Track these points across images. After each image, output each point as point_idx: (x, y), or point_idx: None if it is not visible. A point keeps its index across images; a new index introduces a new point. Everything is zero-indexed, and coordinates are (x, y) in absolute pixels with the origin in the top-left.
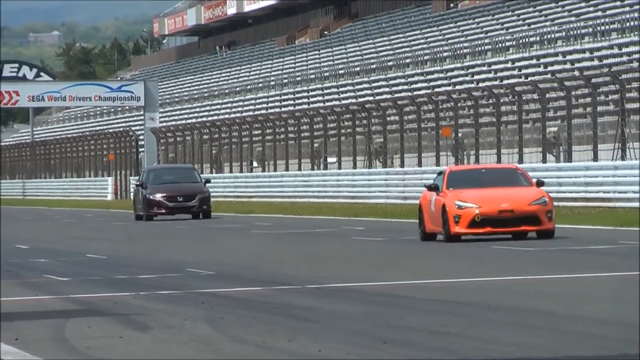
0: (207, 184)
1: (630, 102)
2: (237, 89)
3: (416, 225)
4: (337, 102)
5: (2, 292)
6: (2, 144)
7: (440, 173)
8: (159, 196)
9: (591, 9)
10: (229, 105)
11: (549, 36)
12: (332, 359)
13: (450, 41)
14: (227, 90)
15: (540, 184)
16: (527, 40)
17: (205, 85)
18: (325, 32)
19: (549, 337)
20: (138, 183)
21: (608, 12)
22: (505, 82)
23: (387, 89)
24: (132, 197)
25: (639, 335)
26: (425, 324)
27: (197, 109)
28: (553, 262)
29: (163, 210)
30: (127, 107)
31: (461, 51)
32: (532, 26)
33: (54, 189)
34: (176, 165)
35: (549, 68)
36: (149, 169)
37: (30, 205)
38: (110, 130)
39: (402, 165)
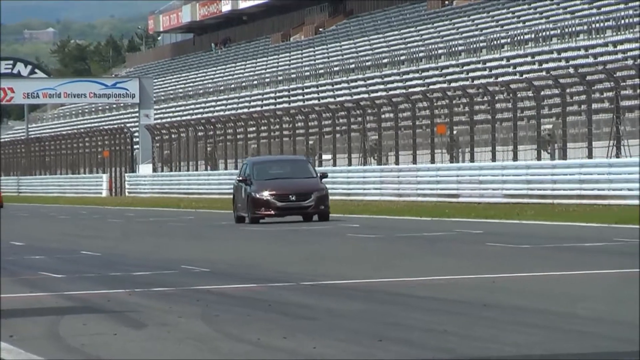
0: (324, 179)
1: (625, 100)
2: (232, 86)
3: (413, 222)
4: (331, 99)
5: None
6: None
7: None
8: (266, 194)
9: (586, 6)
10: (224, 102)
11: (543, 33)
12: (327, 356)
13: (445, 38)
14: (222, 88)
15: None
16: (522, 37)
17: (200, 82)
18: (320, 29)
19: (545, 336)
20: (240, 178)
21: (603, 9)
22: (500, 79)
23: (382, 86)
24: (232, 195)
25: (639, 333)
26: (422, 322)
27: (192, 106)
28: (548, 260)
29: (271, 212)
30: (122, 104)
31: (456, 48)
32: (527, 23)
33: (48, 186)
34: (286, 157)
35: (544, 65)
36: (253, 161)
37: (25, 202)
38: (105, 127)
39: (397, 162)
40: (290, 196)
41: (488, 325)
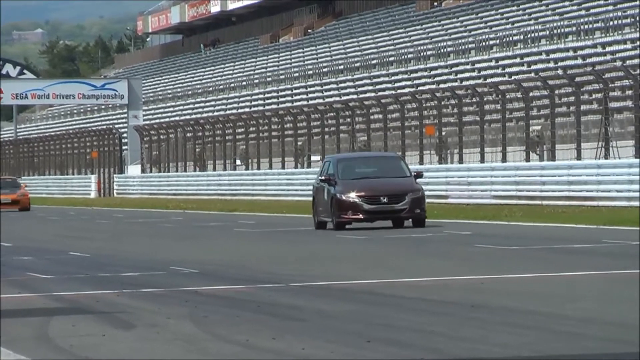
0: (419, 179)
1: (614, 101)
2: (221, 87)
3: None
4: (320, 101)
5: None
6: None
7: None
8: (353, 196)
9: (575, 7)
10: (213, 103)
11: (532, 35)
12: (316, 357)
13: (434, 40)
14: (210, 89)
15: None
16: (510, 39)
17: (189, 83)
18: (309, 31)
19: (534, 337)
20: (322, 178)
21: (592, 10)
22: (489, 80)
23: (370, 87)
24: (312, 197)
25: (638, 333)
26: (410, 322)
27: (181, 107)
28: (537, 261)
29: (359, 216)
30: (110, 105)
31: (445, 50)
32: (516, 25)
33: (37, 187)
34: (375, 153)
35: (533, 67)
36: (338, 158)
37: None
38: (94, 128)
39: None
40: (381, 198)
41: (476, 326)
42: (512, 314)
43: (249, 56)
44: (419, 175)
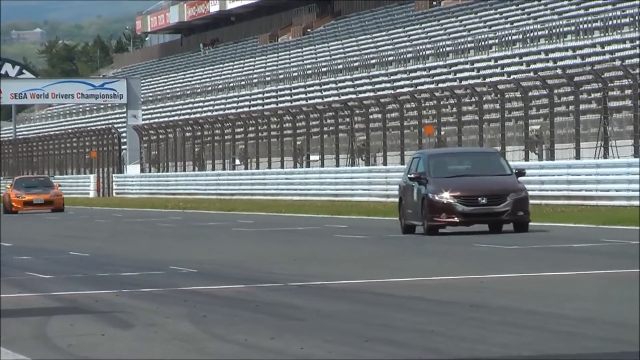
0: (521, 177)
1: (613, 101)
2: (220, 86)
3: (397, 223)
4: (319, 100)
5: None
6: None
7: None
8: (447, 196)
9: (574, 7)
10: (212, 103)
11: (531, 34)
12: (315, 357)
13: (433, 39)
14: (209, 88)
15: None
16: (509, 38)
17: (188, 83)
18: (308, 30)
19: (533, 336)
20: (411, 175)
21: (591, 10)
22: (488, 80)
23: (369, 87)
24: (399, 197)
25: (639, 334)
26: (409, 322)
27: (180, 107)
28: (536, 261)
29: (455, 219)
30: (109, 105)
31: (444, 49)
32: (515, 24)
33: None
34: (472, 149)
35: (532, 66)
36: (429, 154)
37: None
38: (93, 128)
39: (384, 163)
40: (479, 198)
41: (475, 326)
42: (511, 313)
43: (248, 56)
44: (521, 173)
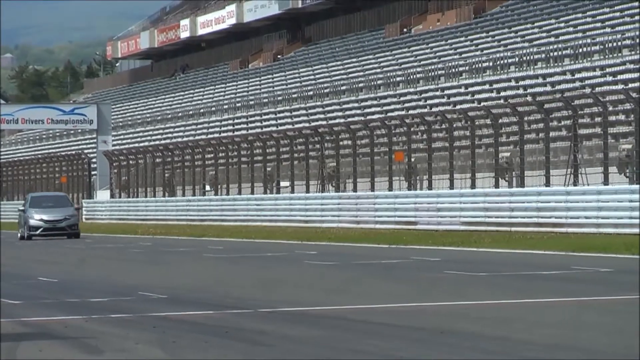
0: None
1: (583, 128)
2: (190, 112)
3: (371, 249)
4: (290, 126)
5: None
6: None
7: None
8: None
9: (544, 34)
10: (182, 128)
11: (502, 62)
12: None
13: (403, 66)
14: (180, 114)
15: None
16: (480, 65)
17: (158, 109)
18: (279, 56)
19: None
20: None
21: (561, 37)
22: (458, 107)
23: (340, 113)
24: None
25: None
26: (379, 348)
27: (150, 132)
28: (506, 287)
29: None
30: (79, 130)
31: (414, 76)
32: (485, 51)
33: (5, 212)
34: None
35: (502, 93)
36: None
37: None
38: (63, 153)
39: (354, 189)
40: None
41: (446, 352)
42: (481, 339)
43: (219, 81)
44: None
